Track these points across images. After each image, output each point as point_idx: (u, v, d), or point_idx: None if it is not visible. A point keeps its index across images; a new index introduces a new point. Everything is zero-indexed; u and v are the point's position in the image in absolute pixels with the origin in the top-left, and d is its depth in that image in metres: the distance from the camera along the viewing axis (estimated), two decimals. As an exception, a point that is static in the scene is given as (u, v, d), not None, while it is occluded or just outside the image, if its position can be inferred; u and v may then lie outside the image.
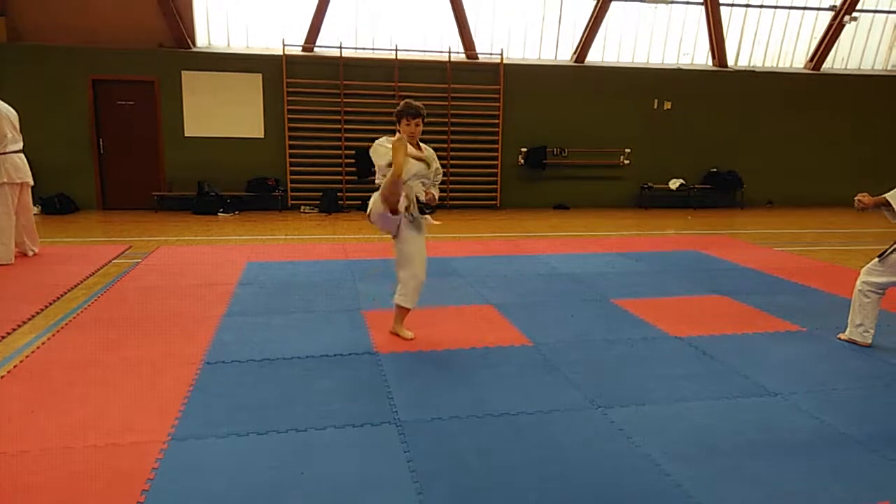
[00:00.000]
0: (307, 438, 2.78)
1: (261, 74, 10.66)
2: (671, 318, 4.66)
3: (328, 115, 10.90)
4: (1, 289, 5.22)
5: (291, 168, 10.91)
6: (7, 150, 5.96)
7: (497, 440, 2.80)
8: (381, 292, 5.04)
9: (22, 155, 6.14)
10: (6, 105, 6.06)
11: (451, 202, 11.25)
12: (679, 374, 3.61)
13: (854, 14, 12.25)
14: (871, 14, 12.77)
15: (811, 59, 12.87)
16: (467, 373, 3.55)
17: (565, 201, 11.80)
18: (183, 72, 10.43)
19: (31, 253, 6.36)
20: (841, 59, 13.18)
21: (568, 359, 3.81)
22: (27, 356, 3.70)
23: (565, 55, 12.07)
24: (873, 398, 3.34)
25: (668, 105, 12.15)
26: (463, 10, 11.16)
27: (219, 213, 10.20)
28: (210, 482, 2.42)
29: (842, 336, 4.23)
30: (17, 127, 6.13)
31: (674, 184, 12.12)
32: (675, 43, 12.44)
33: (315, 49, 10.95)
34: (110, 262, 6.37)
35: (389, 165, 3.59)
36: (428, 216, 3.91)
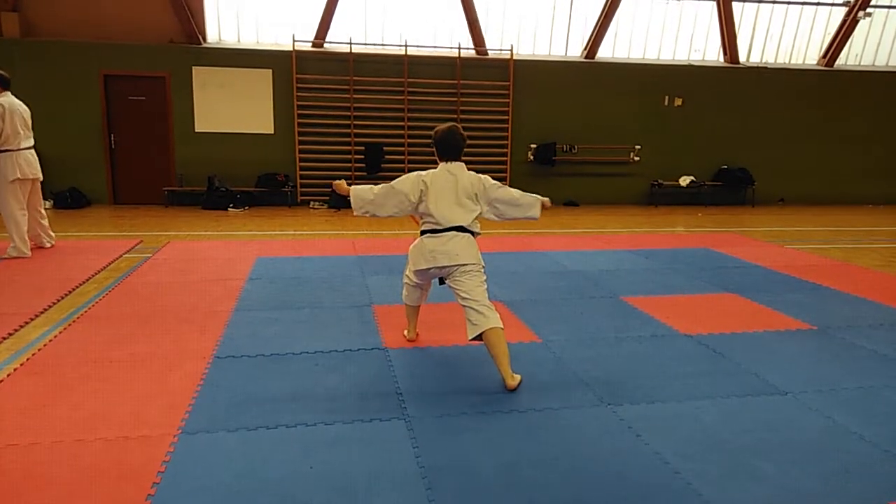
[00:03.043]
0: (316, 433, 2.79)
1: (271, 70, 10.69)
2: (681, 316, 4.64)
3: (338, 111, 10.92)
4: (15, 282, 5.27)
5: (301, 164, 10.94)
6: (20, 147, 6.05)
7: (506, 436, 2.80)
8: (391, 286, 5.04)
9: (33, 151, 6.24)
10: (19, 102, 6.15)
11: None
12: (689, 371, 3.60)
13: (868, 10, 12.13)
14: (885, 10, 12.63)
15: (824, 56, 12.75)
16: (477, 369, 3.54)
17: (575, 198, 11.77)
18: (194, 67, 10.48)
19: (48, 245, 6.49)
20: (854, 56, 13.05)
21: (577, 356, 3.80)
22: (39, 349, 3.74)
23: (576, 51, 12.03)
24: (884, 397, 3.31)
25: (678, 101, 12.08)
26: (473, 5, 11.14)
27: (229, 209, 10.24)
28: (219, 476, 2.43)
29: None
30: (29, 124, 6.23)
31: (684, 181, 12.06)
32: (687, 39, 12.36)
33: (325, 45, 10.96)
34: (121, 256, 6.41)
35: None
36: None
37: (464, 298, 3.39)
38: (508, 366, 3.27)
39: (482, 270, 3.48)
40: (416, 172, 3.52)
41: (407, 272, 3.78)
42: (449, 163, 3.50)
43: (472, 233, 3.51)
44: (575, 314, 4.68)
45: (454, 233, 3.44)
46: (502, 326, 3.33)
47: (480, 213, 3.53)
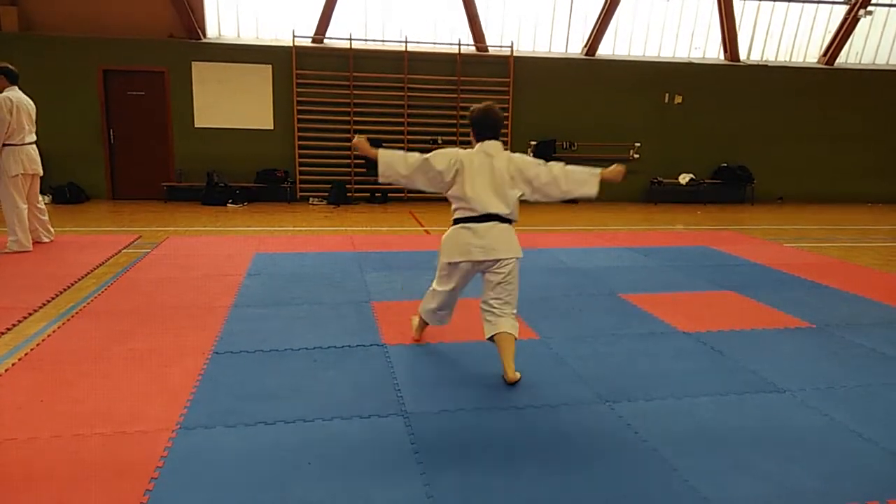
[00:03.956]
0: (314, 429, 2.79)
1: (270, 66, 10.67)
2: (680, 314, 4.64)
3: (337, 107, 10.90)
4: (13, 277, 5.27)
5: (300, 160, 10.93)
6: (24, 142, 6.09)
7: (504, 433, 2.80)
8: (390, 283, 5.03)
9: (35, 146, 6.27)
10: (26, 97, 6.19)
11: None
12: (687, 369, 3.60)
13: (869, 8, 12.12)
14: (886, 8, 12.62)
15: (825, 54, 12.74)
16: (475, 365, 3.54)
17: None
18: (193, 62, 10.45)
19: (46, 240, 6.50)
20: (855, 54, 13.04)
21: (575, 353, 3.80)
22: (37, 345, 3.73)
23: (576, 48, 12.01)
24: (883, 395, 3.31)
25: (678, 99, 12.07)
26: (473, 1, 11.11)
27: (228, 204, 10.23)
28: (218, 471, 2.43)
29: None
30: (34, 119, 6.27)
31: (684, 178, 12.06)
32: (687, 36, 12.34)
33: (325, 41, 10.94)
34: (120, 251, 6.40)
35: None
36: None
37: (490, 304, 3.29)
38: (512, 363, 3.28)
39: (517, 268, 3.31)
40: (453, 149, 3.29)
41: (434, 286, 3.51)
42: (485, 142, 3.25)
43: (511, 220, 3.28)
44: (573, 311, 4.68)
45: (492, 223, 3.20)
46: (516, 335, 3.30)
47: (521, 196, 3.27)
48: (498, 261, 3.22)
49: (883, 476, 2.53)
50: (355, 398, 3.11)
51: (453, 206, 3.31)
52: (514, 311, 3.34)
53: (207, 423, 2.80)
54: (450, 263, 3.32)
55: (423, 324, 3.80)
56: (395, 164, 3.24)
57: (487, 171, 3.20)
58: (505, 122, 11.34)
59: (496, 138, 3.29)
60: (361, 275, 5.60)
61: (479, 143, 3.28)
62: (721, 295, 5.26)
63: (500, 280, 3.26)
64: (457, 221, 3.29)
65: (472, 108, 3.32)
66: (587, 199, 3.31)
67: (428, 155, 3.24)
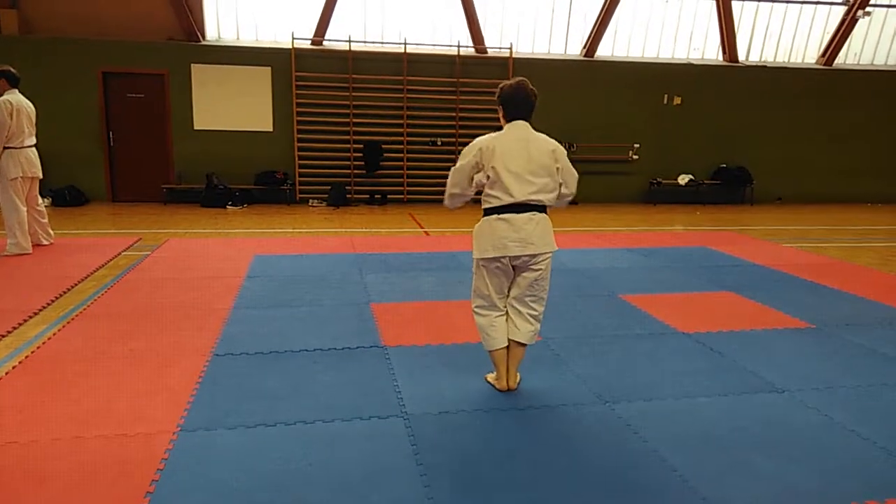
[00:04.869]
0: (314, 430, 2.79)
1: (270, 68, 10.68)
2: (679, 314, 4.64)
3: (337, 109, 10.91)
4: (13, 279, 5.27)
5: (300, 161, 10.93)
6: (23, 145, 6.10)
7: (504, 434, 2.81)
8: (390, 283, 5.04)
9: (34, 149, 6.28)
10: (25, 100, 6.20)
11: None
12: (686, 369, 3.61)
13: (867, 9, 12.13)
14: (884, 9, 12.64)
15: (823, 55, 12.75)
16: (475, 367, 3.55)
17: (574, 196, 11.76)
18: (192, 65, 10.46)
19: (46, 243, 6.52)
20: (854, 55, 13.05)
21: (575, 353, 3.81)
22: (38, 347, 3.74)
23: (575, 49, 12.02)
24: (882, 395, 3.32)
25: (678, 100, 12.08)
26: (472, 3, 11.13)
27: (227, 206, 10.23)
28: (218, 472, 2.44)
29: None
30: (34, 122, 6.28)
31: (683, 179, 12.06)
32: (686, 37, 12.35)
33: (324, 43, 10.95)
34: (120, 253, 6.41)
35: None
36: None
37: (524, 301, 3.09)
38: (516, 368, 3.26)
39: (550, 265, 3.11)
40: (474, 141, 3.03)
41: (474, 306, 3.20)
42: (516, 121, 2.98)
43: (546, 207, 3.05)
44: (573, 312, 4.69)
45: (530, 214, 2.95)
46: (532, 342, 3.21)
47: (559, 188, 3.06)
48: (534, 256, 2.99)
49: (882, 476, 2.54)
50: (355, 400, 3.11)
51: (483, 194, 3.04)
52: (543, 308, 3.18)
53: (208, 425, 2.80)
54: (483, 260, 3.03)
55: (499, 358, 3.21)
56: (449, 190, 3.11)
57: (522, 153, 2.94)
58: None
59: (527, 119, 3.03)
60: (361, 276, 5.61)
61: (509, 124, 3.02)
62: (720, 295, 5.27)
63: (537, 277, 3.05)
64: (489, 212, 3.00)
65: (500, 85, 3.05)
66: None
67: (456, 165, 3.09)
